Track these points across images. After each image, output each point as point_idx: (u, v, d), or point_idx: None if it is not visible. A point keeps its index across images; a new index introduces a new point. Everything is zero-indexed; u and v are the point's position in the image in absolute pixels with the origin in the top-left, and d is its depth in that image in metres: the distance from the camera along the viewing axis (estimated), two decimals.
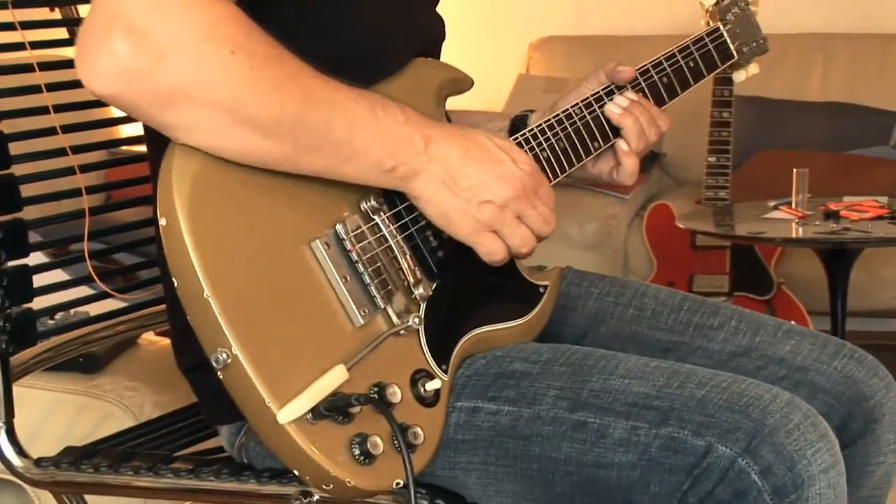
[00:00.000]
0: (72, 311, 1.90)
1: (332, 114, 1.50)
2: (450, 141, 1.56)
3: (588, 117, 1.79)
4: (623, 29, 5.04)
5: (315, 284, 1.54)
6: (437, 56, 1.85)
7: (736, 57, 2.00)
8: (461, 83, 1.77)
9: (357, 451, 1.48)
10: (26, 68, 1.80)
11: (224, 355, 1.44)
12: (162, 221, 1.45)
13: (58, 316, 1.86)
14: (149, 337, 2.73)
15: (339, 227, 1.56)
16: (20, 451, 1.77)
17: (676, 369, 1.59)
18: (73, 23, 2.00)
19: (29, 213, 1.79)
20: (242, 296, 1.48)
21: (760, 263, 4.06)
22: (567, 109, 1.78)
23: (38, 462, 1.77)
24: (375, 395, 1.51)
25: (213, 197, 1.50)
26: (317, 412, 1.46)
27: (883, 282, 4.12)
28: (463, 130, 1.59)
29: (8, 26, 1.76)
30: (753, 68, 2.06)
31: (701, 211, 4.09)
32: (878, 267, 4.07)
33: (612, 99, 1.82)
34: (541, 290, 1.74)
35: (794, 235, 3.44)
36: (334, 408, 1.47)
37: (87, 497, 1.85)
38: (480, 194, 1.56)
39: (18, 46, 1.78)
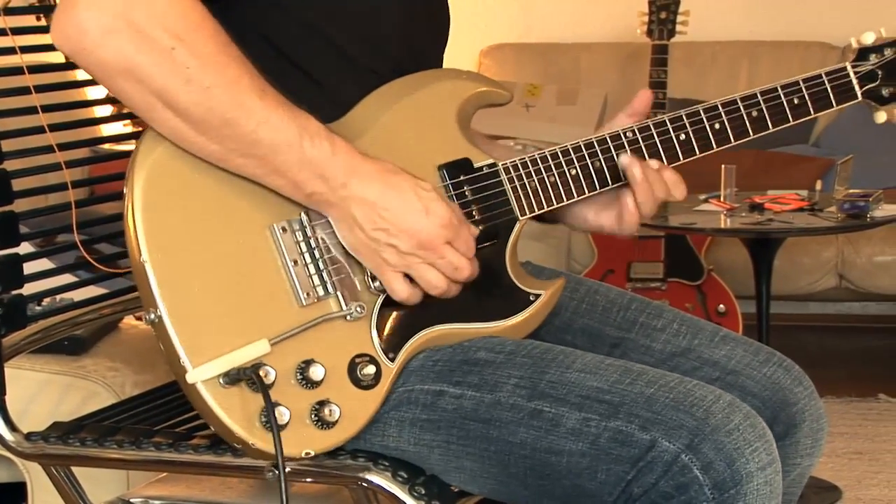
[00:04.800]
0: (58, 296, 1.89)
1: (258, 130, 1.49)
2: (371, 183, 1.53)
3: (590, 162, 1.72)
4: (567, 37, 5.05)
5: (266, 265, 1.55)
6: (445, 39, 1.83)
7: (858, 98, 1.83)
8: (495, 96, 1.73)
9: (265, 419, 1.50)
10: (16, 71, 1.79)
11: (153, 315, 1.49)
12: (125, 191, 1.50)
13: (45, 301, 1.85)
14: (129, 321, 2.73)
15: (303, 215, 1.56)
16: (11, 427, 1.76)
17: (629, 367, 1.59)
18: None
19: (19, 205, 1.78)
20: (179, 265, 1.52)
21: (692, 252, 4.07)
22: (579, 143, 1.71)
23: (28, 436, 1.76)
24: (298, 374, 1.53)
25: (169, 176, 1.53)
26: (230, 377, 1.49)
27: (803, 268, 4.14)
28: (391, 174, 1.55)
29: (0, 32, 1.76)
30: None
31: None
32: (799, 255, 4.09)
33: (627, 153, 1.72)
34: (531, 297, 1.70)
35: (722, 226, 3.45)
36: (241, 377, 1.49)
37: (73, 469, 1.84)
38: (386, 238, 1.54)
39: (10, 51, 1.77)
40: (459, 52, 4.87)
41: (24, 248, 1.78)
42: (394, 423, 1.61)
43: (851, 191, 3.51)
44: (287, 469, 1.59)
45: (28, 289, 1.79)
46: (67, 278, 1.91)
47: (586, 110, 4.77)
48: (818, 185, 3.63)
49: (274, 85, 1.51)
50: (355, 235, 1.55)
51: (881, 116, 1.85)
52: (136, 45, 1.45)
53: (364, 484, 1.60)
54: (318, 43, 1.65)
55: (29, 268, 1.79)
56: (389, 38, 1.70)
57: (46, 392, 2.45)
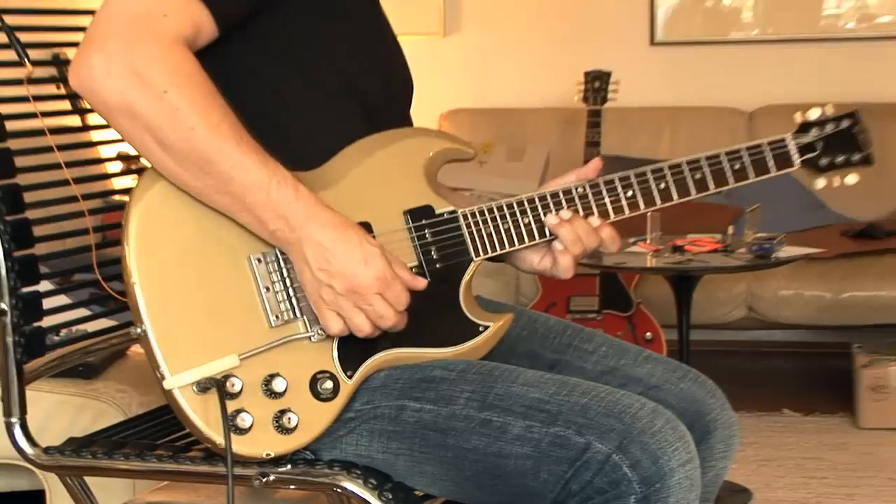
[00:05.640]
0: (73, 328, 1.87)
1: (232, 171, 1.49)
2: (324, 229, 1.52)
3: (543, 213, 1.71)
4: (515, 103, 5.07)
5: (242, 289, 1.55)
6: (410, 99, 1.82)
7: (795, 165, 1.78)
8: (460, 153, 1.72)
9: (231, 422, 1.51)
10: (39, 132, 1.78)
11: (139, 329, 1.51)
12: (122, 222, 1.52)
13: (62, 332, 1.84)
14: (136, 349, 2.70)
15: (277, 249, 1.56)
16: (32, 442, 1.75)
17: (565, 381, 1.59)
18: (75, 96, 1.98)
19: (39, 249, 1.77)
20: (164, 287, 1.52)
21: (623, 287, 4.07)
22: (533, 196, 1.71)
23: (47, 450, 1.75)
24: (263, 386, 1.53)
25: (161, 210, 1.54)
26: (201, 385, 1.50)
27: (718, 301, 4.15)
28: (343, 226, 1.54)
29: (23, 99, 1.75)
30: (850, 178, 1.81)
31: None
32: (714, 289, 4.10)
33: (554, 210, 1.71)
34: (480, 328, 1.69)
35: (648, 265, 3.45)
36: (210, 385, 1.50)
37: (86, 478, 1.83)
38: (327, 279, 1.53)
39: (32, 115, 1.76)
40: (423, 114, 4.85)
41: (44, 285, 1.78)
42: (364, 434, 1.61)
43: (758, 235, 3.52)
44: (272, 477, 1.59)
45: (47, 321, 1.78)
46: (81, 312, 1.89)
47: (531, 166, 4.78)
48: (730, 230, 3.64)
49: (252, 134, 1.51)
50: (303, 272, 1.55)
51: (820, 183, 1.81)
52: (134, 87, 1.46)
53: (339, 490, 1.60)
54: (310, 91, 1.66)
55: (48, 303, 1.78)
56: (384, 104, 1.71)
57: (62, 411, 2.43)
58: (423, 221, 1.65)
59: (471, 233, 1.67)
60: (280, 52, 1.63)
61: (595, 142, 4.05)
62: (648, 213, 3.59)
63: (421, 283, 1.59)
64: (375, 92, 1.71)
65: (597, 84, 4.07)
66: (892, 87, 4.83)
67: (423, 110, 5.00)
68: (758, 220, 3.61)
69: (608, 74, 4.09)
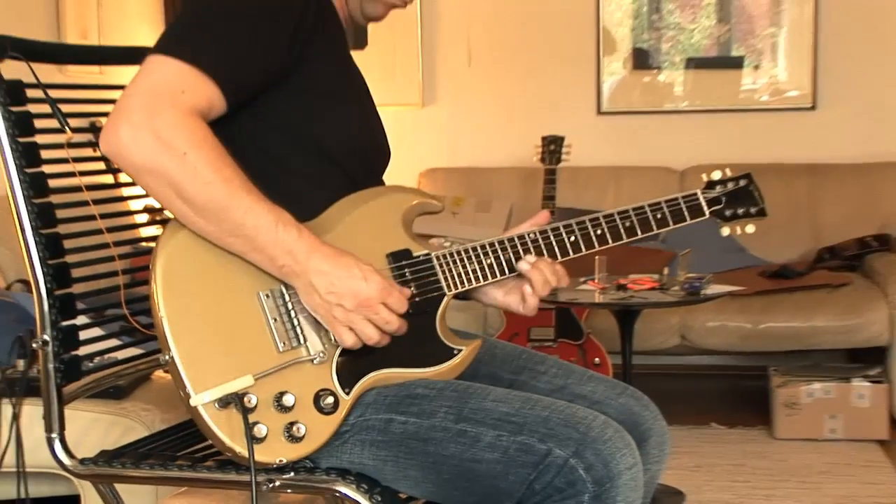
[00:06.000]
0: (105, 356, 1.87)
1: (245, 217, 1.49)
2: (325, 259, 1.53)
3: (501, 255, 1.72)
4: (483, 163, 5.07)
5: (254, 320, 1.56)
6: (386, 165, 1.83)
7: (706, 215, 1.81)
8: (430, 206, 1.73)
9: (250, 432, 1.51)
10: (77, 189, 1.78)
11: (167, 356, 1.51)
12: (150, 265, 1.52)
13: (96, 359, 1.83)
14: (158, 374, 2.69)
15: (282, 286, 1.57)
16: (69, 454, 1.74)
17: (529, 397, 1.59)
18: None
19: (76, 288, 1.77)
20: (187, 320, 1.52)
21: (575, 319, 4.06)
22: (494, 241, 1.72)
23: (82, 461, 1.74)
24: (275, 401, 1.53)
25: (183, 254, 1.54)
26: (222, 402, 1.50)
27: (656, 331, 4.14)
28: (340, 255, 1.55)
29: (64, 160, 1.75)
30: (749, 228, 1.85)
31: None
32: (653, 321, 4.09)
33: (511, 252, 1.72)
34: (454, 352, 1.69)
35: (597, 301, 3.44)
36: (230, 402, 1.50)
37: (116, 485, 1.82)
38: (336, 299, 1.54)
39: (71, 174, 1.77)
40: (405, 172, 4.88)
41: (81, 319, 1.77)
42: (357, 444, 1.61)
43: (689, 275, 3.52)
44: (278, 483, 1.59)
45: (83, 350, 1.77)
46: (112, 342, 1.88)
47: (497, 216, 4.78)
48: (665, 271, 3.64)
49: (258, 187, 1.52)
50: (313, 298, 1.55)
51: (725, 230, 1.85)
52: (158, 151, 1.46)
53: (336, 493, 1.59)
54: (307, 158, 1.66)
55: (84, 335, 1.78)
56: (363, 167, 1.72)
57: (96, 427, 2.41)
58: (403, 262, 1.67)
59: (443, 271, 1.69)
60: (280, 124, 1.64)
61: (551, 196, 4.06)
62: (596, 258, 3.60)
63: (407, 291, 1.61)
64: (360, 160, 1.72)
65: (552, 147, 4.08)
66: (800, 150, 4.85)
67: (405, 169, 5.05)
68: (689, 263, 3.62)
69: (562, 139, 4.10)
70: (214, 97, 1.53)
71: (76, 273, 1.77)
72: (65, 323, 1.74)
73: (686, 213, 1.80)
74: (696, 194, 1.81)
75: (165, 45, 1.53)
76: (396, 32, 5.03)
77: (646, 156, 4.95)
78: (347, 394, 1.60)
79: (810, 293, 4.13)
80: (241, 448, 1.51)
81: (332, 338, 1.58)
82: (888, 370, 3.99)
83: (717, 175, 1.84)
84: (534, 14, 5.03)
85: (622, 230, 1.77)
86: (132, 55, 1.94)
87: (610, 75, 5.01)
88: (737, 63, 4.92)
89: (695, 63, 4.96)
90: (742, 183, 1.84)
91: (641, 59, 4.99)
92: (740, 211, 1.84)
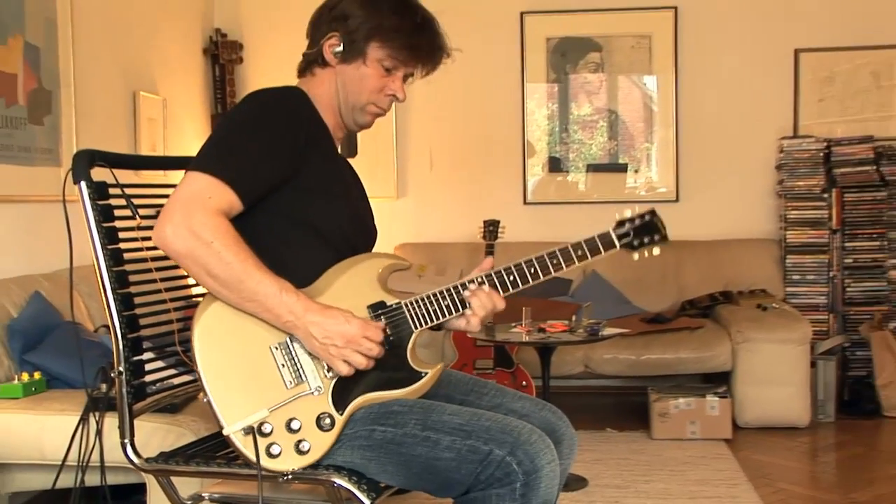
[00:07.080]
0: (164, 382, 1.85)
1: (257, 286, 1.50)
2: (317, 314, 1.53)
3: (454, 295, 1.70)
4: (441, 238, 5.07)
5: (268, 366, 1.55)
6: (373, 244, 1.80)
7: (617, 247, 1.72)
8: (399, 265, 1.71)
9: (266, 451, 1.51)
10: (143, 260, 1.77)
11: (205, 399, 1.50)
12: (191, 325, 1.53)
13: (157, 384, 1.81)
14: (202, 395, 2.66)
15: (288, 339, 1.56)
16: (137, 454, 1.72)
17: (475, 412, 1.59)
18: None
19: (142, 332, 1.76)
20: (218, 368, 1.51)
21: (508, 353, 4.05)
22: (451, 286, 1.69)
23: (147, 460, 1.73)
24: (286, 426, 1.51)
25: (215, 318, 1.54)
26: (246, 430, 1.50)
27: (566, 362, 4.14)
28: (328, 309, 1.54)
29: (134, 239, 1.74)
30: (655, 250, 1.75)
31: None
32: (565, 354, 4.10)
33: (469, 287, 1.69)
34: (422, 374, 1.67)
35: (524, 340, 3.46)
36: (252, 430, 1.50)
37: (172, 477, 1.79)
38: (330, 341, 1.54)
39: (139, 249, 1.75)
40: (382, 247, 4.87)
41: (146, 355, 1.76)
42: (349, 448, 1.59)
43: (590, 321, 3.55)
44: (289, 476, 1.57)
45: (148, 378, 1.76)
46: (169, 372, 1.86)
47: (451, 278, 4.67)
48: (573, 318, 3.67)
49: (267, 261, 1.52)
50: (312, 343, 1.54)
51: (635, 256, 1.75)
52: (192, 241, 1.47)
53: (334, 484, 1.58)
54: (304, 238, 1.65)
55: (148, 367, 1.77)
56: (347, 243, 1.70)
57: (156, 434, 2.37)
58: (380, 311, 1.66)
59: (411, 314, 1.67)
60: (287, 215, 1.63)
61: (490, 244, 4.08)
62: (523, 308, 3.61)
63: (380, 324, 1.59)
64: (347, 241, 1.70)
65: (491, 228, 4.11)
66: (669, 231, 4.89)
67: (384, 244, 5.02)
68: (590, 312, 3.65)
69: (497, 222, 4.13)
70: (234, 201, 1.54)
71: (143, 321, 1.77)
72: (134, 358, 1.74)
73: (601, 247, 1.70)
74: (608, 232, 1.72)
75: (198, 163, 1.54)
76: (378, 144, 5.07)
77: (559, 235, 4.92)
78: (341, 414, 1.58)
79: (676, 334, 4.15)
80: (264, 463, 1.52)
81: (328, 373, 1.57)
82: (731, 388, 4.03)
83: (627, 213, 1.75)
84: (478, 132, 5.08)
85: (550, 266, 1.70)
86: (186, 163, 1.93)
87: (532, 176, 5.04)
88: (622, 168, 4.97)
89: (593, 167, 5.00)
90: (647, 217, 1.74)
91: (555, 164, 5.03)
92: (646, 240, 1.73)
